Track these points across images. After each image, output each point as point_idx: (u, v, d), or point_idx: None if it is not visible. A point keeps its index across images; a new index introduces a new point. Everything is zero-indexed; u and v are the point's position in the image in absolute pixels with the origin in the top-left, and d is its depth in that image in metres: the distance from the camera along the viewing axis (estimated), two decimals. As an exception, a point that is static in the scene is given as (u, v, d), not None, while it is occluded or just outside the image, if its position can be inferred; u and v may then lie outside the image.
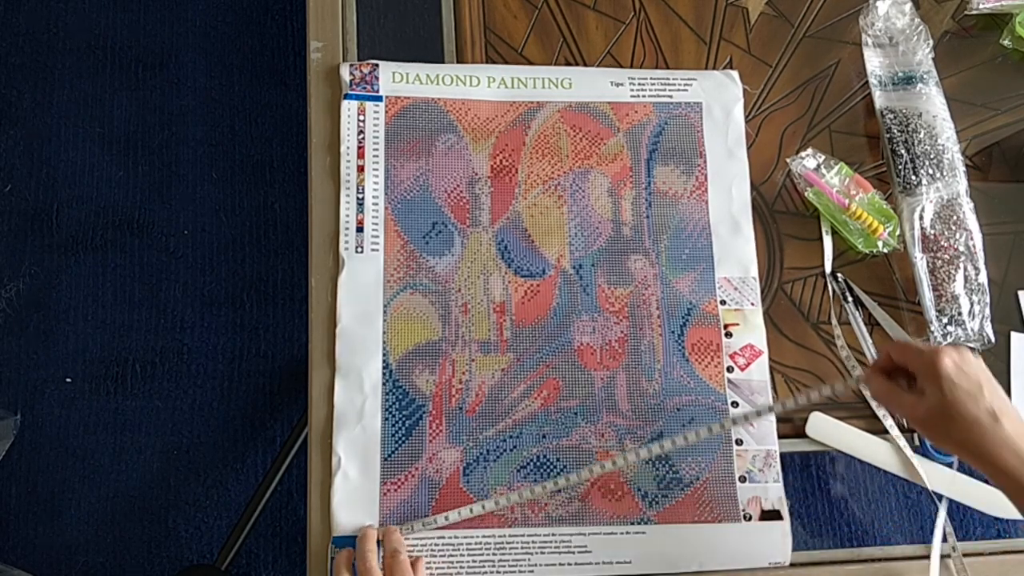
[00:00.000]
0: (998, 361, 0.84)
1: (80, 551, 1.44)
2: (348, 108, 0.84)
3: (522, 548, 0.76)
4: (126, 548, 1.44)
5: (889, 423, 0.80)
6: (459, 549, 0.75)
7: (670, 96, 0.88)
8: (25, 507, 1.45)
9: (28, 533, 1.44)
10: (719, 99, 0.89)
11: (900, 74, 0.90)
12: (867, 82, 0.90)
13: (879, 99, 0.90)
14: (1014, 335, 0.85)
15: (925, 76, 0.90)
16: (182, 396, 1.51)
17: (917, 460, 0.79)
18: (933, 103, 0.89)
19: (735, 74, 0.90)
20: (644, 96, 0.88)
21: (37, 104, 1.61)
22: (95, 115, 1.62)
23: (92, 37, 1.65)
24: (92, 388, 1.50)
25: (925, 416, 0.67)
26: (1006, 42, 0.93)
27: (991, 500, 0.79)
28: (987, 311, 0.84)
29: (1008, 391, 0.83)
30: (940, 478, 0.79)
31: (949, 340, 0.82)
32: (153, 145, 1.61)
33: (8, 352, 1.51)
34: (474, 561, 0.75)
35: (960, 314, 0.83)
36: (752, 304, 0.83)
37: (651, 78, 0.89)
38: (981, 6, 0.93)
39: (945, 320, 0.83)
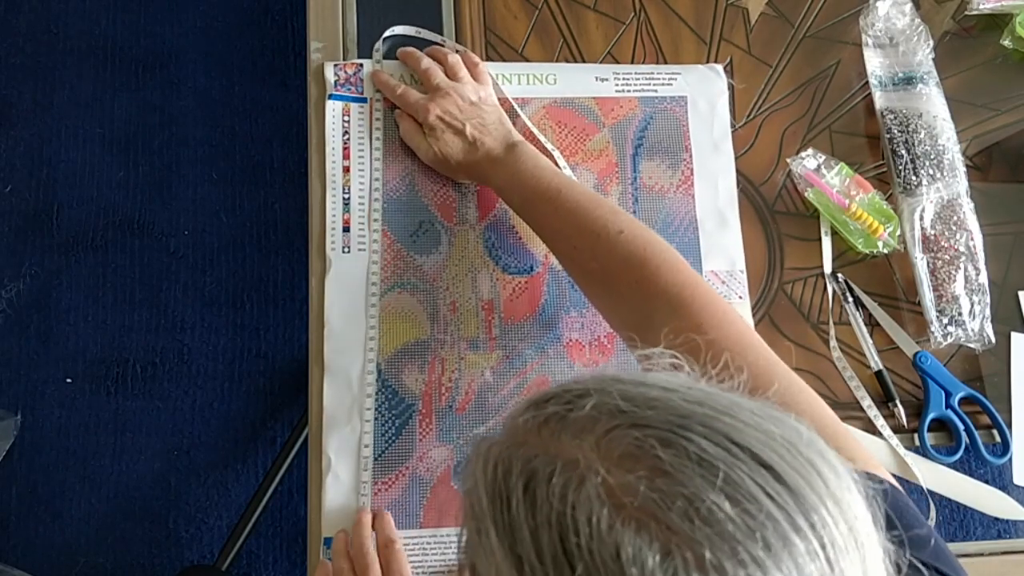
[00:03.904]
0: (998, 361, 0.84)
1: (80, 551, 1.44)
2: (333, 109, 0.84)
3: None
4: (126, 548, 1.44)
5: (881, 423, 0.80)
6: (450, 547, 0.75)
7: (655, 90, 0.88)
8: (25, 507, 1.45)
9: (28, 533, 1.44)
10: (704, 93, 0.89)
11: (900, 74, 0.90)
12: (867, 82, 0.90)
13: (879, 99, 0.89)
14: (1014, 335, 0.85)
15: (925, 76, 0.89)
16: (182, 396, 1.51)
17: (912, 459, 0.79)
18: (933, 103, 0.88)
19: (719, 67, 0.90)
20: (629, 91, 0.88)
21: (37, 104, 1.61)
22: (95, 115, 1.62)
23: (92, 37, 1.65)
24: (92, 388, 1.50)
25: (430, 160, 0.80)
26: (1006, 42, 0.93)
27: (991, 500, 0.79)
28: (987, 311, 0.84)
29: (1008, 391, 0.83)
30: (937, 478, 0.79)
31: (949, 340, 0.82)
32: (153, 145, 1.61)
33: (8, 352, 1.51)
34: None
35: (960, 314, 0.83)
36: (740, 297, 0.83)
37: (635, 73, 0.89)
38: (981, 6, 0.93)
39: (945, 320, 0.83)
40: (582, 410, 0.38)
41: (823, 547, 0.34)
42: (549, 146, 0.84)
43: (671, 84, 0.89)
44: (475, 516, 0.40)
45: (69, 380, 1.50)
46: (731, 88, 0.90)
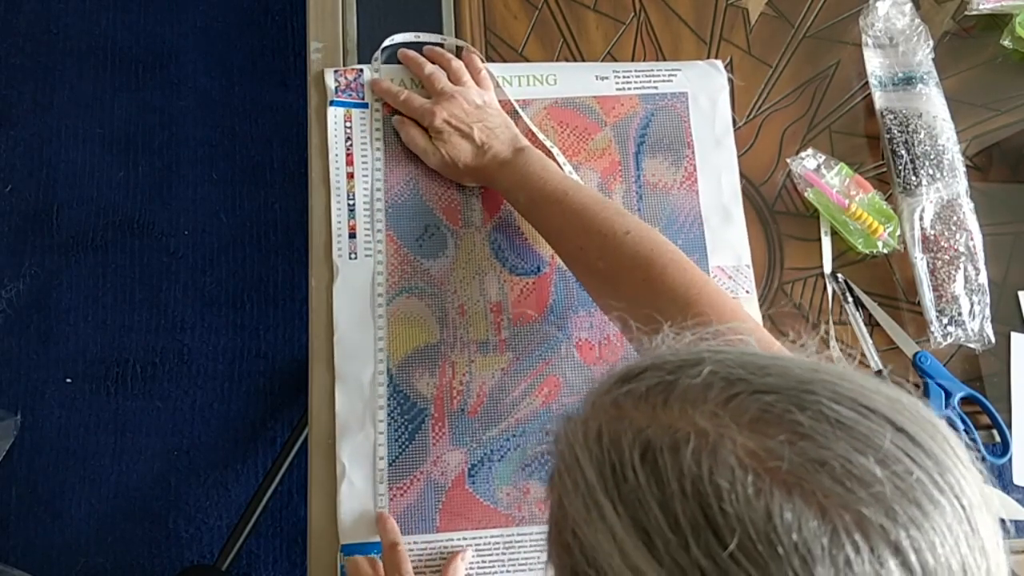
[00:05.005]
0: (998, 361, 0.84)
1: (80, 551, 1.44)
2: (335, 115, 0.84)
3: (531, 546, 0.76)
4: (126, 549, 1.45)
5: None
6: (468, 549, 0.75)
7: (655, 87, 0.88)
8: (25, 507, 1.45)
9: (28, 533, 1.44)
10: (704, 88, 0.89)
11: (900, 74, 0.90)
12: (867, 82, 0.90)
13: (879, 99, 0.90)
14: (1014, 335, 0.85)
15: (925, 76, 0.90)
16: (182, 397, 1.51)
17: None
18: (933, 103, 0.88)
19: (719, 63, 0.90)
20: (630, 88, 0.88)
21: (37, 105, 1.61)
22: (95, 115, 1.62)
23: (92, 38, 1.65)
24: (92, 389, 1.50)
25: (437, 165, 0.81)
26: (1006, 42, 0.93)
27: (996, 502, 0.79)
28: (987, 311, 0.84)
29: (1008, 391, 0.83)
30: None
31: (949, 340, 0.82)
32: (153, 145, 1.61)
33: (8, 352, 1.51)
34: (484, 562, 0.75)
35: (960, 314, 0.83)
36: (747, 292, 0.83)
37: (636, 70, 0.89)
38: (981, 6, 0.93)
39: (945, 320, 0.83)
40: (694, 379, 0.37)
41: (963, 508, 0.34)
42: (548, 143, 0.84)
43: (671, 80, 0.89)
44: (580, 492, 0.38)
45: (69, 380, 1.50)
46: (731, 83, 0.90)
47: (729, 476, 0.34)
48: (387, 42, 0.87)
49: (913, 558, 0.33)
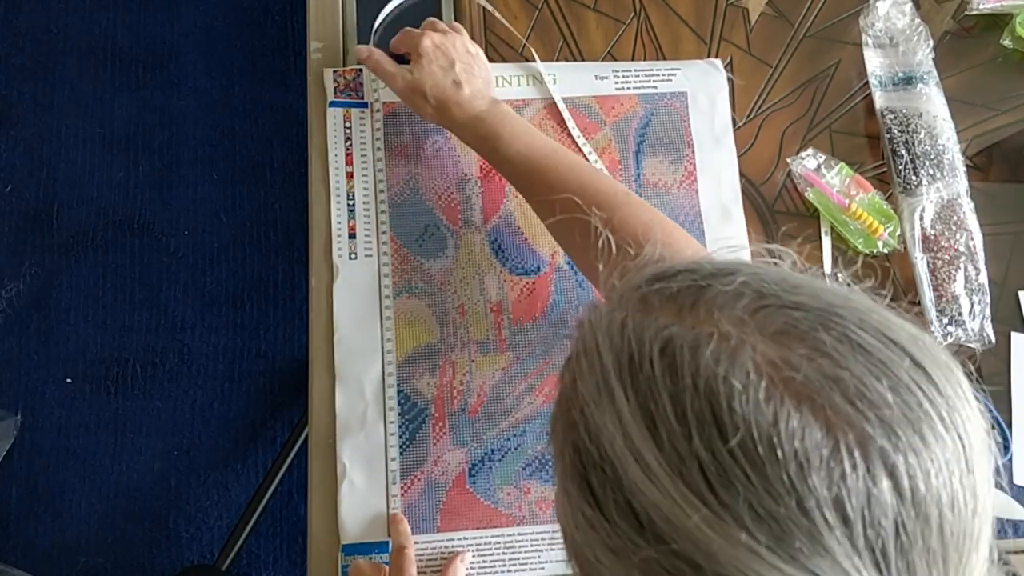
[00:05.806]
0: (998, 361, 0.84)
1: (80, 551, 1.44)
2: (334, 116, 0.84)
3: (531, 546, 0.76)
4: (126, 548, 1.45)
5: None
6: (468, 551, 0.75)
7: (655, 87, 0.88)
8: (25, 507, 1.45)
9: (28, 533, 1.44)
10: (704, 88, 0.89)
11: (900, 74, 0.90)
12: (867, 82, 0.90)
13: (879, 99, 0.90)
14: (1014, 335, 0.85)
15: (925, 76, 0.90)
16: (182, 396, 1.51)
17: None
18: (933, 103, 0.89)
19: (718, 62, 0.90)
20: (629, 88, 0.88)
21: (37, 104, 1.61)
22: (95, 115, 1.62)
23: (92, 37, 1.65)
24: (92, 388, 1.50)
25: (403, 88, 0.77)
26: (1006, 42, 0.93)
27: (993, 500, 0.79)
28: (987, 311, 0.84)
29: (1008, 391, 0.83)
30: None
31: (949, 340, 0.82)
32: (153, 145, 1.61)
33: (8, 352, 1.51)
34: (484, 562, 0.75)
35: (960, 314, 0.83)
36: None
37: (635, 70, 0.89)
38: (981, 6, 0.93)
39: (945, 320, 0.83)
40: (727, 286, 0.38)
41: (964, 447, 0.35)
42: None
43: (671, 80, 0.89)
44: (595, 375, 0.39)
45: (69, 380, 1.50)
46: (731, 83, 0.90)
47: (744, 379, 0.34)
48: (378, 21, 0.86)
49: (906, 483, 0.33)
